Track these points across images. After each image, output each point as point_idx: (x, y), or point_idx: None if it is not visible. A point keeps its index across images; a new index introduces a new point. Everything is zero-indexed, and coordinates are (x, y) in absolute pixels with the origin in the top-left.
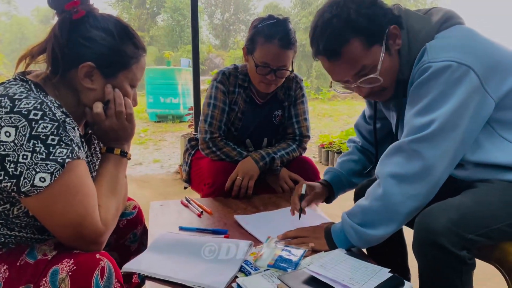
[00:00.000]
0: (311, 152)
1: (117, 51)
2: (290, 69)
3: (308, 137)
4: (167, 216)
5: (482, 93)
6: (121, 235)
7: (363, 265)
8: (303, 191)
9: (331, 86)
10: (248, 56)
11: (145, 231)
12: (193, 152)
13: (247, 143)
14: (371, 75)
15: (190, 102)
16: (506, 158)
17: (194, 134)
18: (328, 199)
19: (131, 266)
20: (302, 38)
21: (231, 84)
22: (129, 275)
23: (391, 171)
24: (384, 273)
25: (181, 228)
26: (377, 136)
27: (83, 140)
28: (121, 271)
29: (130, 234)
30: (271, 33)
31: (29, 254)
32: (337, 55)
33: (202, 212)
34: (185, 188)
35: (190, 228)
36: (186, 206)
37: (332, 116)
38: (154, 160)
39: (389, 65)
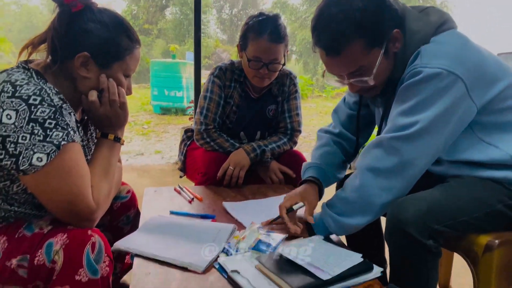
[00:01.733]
0: (311, 147)
1: (112, 43)
2: (282, 62)
3: (299, 131)
4: (160, 201)
5: (468, 101)
6: (115, 217)
7: (337, 250)
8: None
9: (323, 76)
10: (241, 52)
11: (138, 214)
12: (188, 142)
13: (241, 136)
14: (365, 78)
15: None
16: (480, 157)
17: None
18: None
19: (121, 244)
20: (310, 35)
21: (227, 78)
22: (121, 256)
23: (369, 164)
24: (356, 258)
25: (172, 212)
26: (360, 122)
27: (79, 125)
28: (111, 249)
29: (123, 217)
30: (261, 28)
31: (26, 227)
32: (337, 53)
33: (193, 198)
34: (181, 176)
35: (181, 213)
36: (178, 192)
37: None
38: (156, 151)
39: (384, 68)
